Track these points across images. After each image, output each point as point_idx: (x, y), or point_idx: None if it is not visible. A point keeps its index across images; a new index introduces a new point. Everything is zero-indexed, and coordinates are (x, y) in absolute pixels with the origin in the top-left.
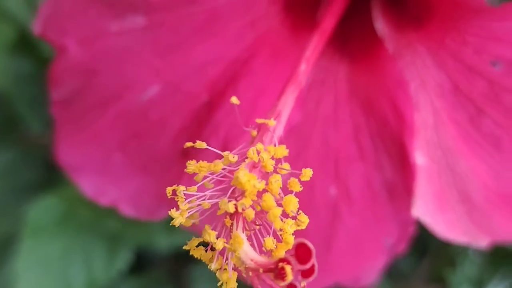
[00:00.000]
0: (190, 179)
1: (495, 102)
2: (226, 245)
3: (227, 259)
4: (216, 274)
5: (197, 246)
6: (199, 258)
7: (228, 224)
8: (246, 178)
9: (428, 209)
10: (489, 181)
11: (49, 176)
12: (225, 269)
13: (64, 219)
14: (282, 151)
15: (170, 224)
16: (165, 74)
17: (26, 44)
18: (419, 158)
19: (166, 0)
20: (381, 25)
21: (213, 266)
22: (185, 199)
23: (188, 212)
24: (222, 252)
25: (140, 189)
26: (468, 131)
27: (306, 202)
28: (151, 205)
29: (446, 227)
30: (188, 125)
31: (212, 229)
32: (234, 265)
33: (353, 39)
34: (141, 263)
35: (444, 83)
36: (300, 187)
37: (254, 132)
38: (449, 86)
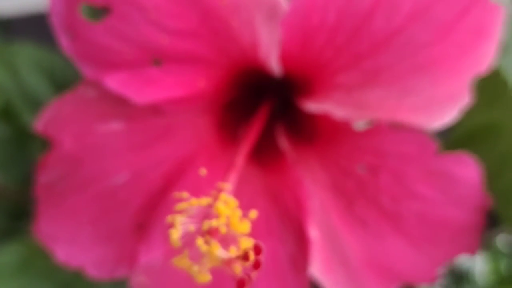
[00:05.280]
0: (148, 244)
1: (361, 195)
2: (208, 247)
3: (203, 264)
4: (195, 276)
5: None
6: (182, 267)
7: (208, 238)
8: (224, 206)
9: (319, 270)
10: (360, 251)
11: (13, 225)
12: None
13: (24, 266)
14: (234, 202)
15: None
16: (134, 165)
17: (8, 113)
18: (312, 232)
19: (140, 113)
20: (283, 143)
21: (195, 269)
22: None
23: (180, 231)
24: (199, 260)
25: (103, 256)
26: (344, 215)
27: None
28: (112, 268)
29: (333, 285)
30: (146, 204)
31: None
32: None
33: (264, 151)
34: None
35: (326, 182)
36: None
37: (215, 192)
38: (330, 184)
